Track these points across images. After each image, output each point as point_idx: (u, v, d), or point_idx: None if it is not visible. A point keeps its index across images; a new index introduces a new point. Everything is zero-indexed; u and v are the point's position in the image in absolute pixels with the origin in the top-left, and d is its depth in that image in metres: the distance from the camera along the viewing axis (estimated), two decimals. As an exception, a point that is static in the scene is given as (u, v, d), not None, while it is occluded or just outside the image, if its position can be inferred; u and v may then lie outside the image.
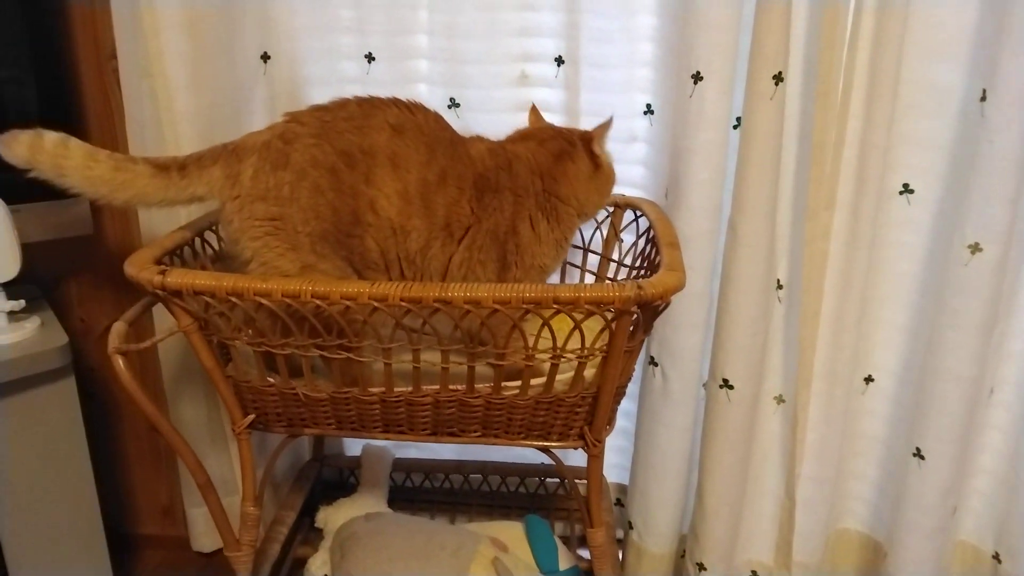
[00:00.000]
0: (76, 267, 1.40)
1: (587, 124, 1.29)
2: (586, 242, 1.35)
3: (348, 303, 0.88)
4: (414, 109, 1.00)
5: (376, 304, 0.88)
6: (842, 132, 1.13)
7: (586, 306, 0.87)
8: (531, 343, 0.92)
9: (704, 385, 1.27)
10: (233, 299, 0.90)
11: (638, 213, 1.28)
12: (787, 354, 1.26)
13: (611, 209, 1.32)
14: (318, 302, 0.88)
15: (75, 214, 1.25)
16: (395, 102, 0.99)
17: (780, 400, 1.29)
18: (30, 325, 1.16)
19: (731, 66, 1.07)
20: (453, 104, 1.32)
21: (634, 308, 0.89)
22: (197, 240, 1.08)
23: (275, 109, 1.31)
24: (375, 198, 0.95)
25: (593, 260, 1.34)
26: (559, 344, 0.92)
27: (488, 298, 0.87)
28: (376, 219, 0.95)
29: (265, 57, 1.28)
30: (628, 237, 1.31)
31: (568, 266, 1.36)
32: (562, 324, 0.89)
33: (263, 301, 0.89)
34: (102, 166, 0.90)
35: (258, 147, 0.94)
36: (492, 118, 1.31)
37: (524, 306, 0.87)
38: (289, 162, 0.93)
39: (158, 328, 1.22)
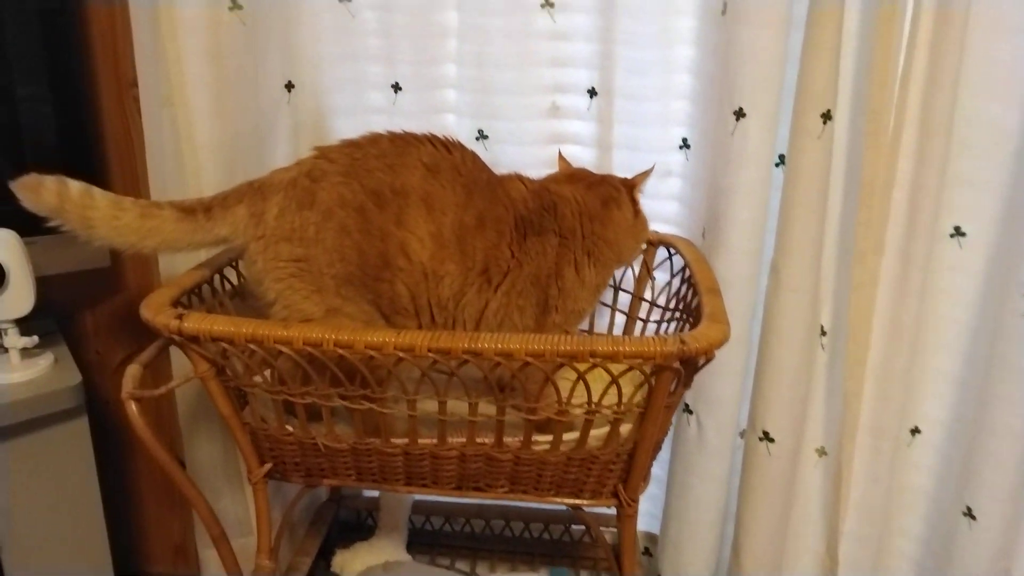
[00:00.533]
0: (92, 299, 1.36)
1: (619, 158, 1.26)
2: (617, 280, 1.30)
3: (372, 353, 0.83)
4: (451, 147, 0.96)
5: (402, 355, 0.83)
6: (892, 172, 1.07)
7: (625, 360, 0.82)
8: (564, 395, 0.86)
9: (741, 434, 1.21)
10: (252, 346, 0.85)
11: (672, 251, 1.23)
12: (830, 404, 1.19)
13: (644, 246, 1.27)
14: (341, 351, 0.84)
15: (92, 246, 1.21)
16: (430, 139, 0.95)
17: (822, 452, 1.22)
18: (43, 362, 1.12)
19: (775, 102, 1.02)
20: (481, 136, 1.27)
21: (676, 364, 0.83)
22: (216, 276, 1.05)
23: (299, 139, 1.27)
24: (406, 241, 0.91)
25: (624, 298, 1.29)
26: (594, 399, 0.87)
27: (521, 350, 0.82)
28: (407, 263, 0.91)
29: (289, 86, 1.24)
30: (660, 275, 1.26)
31: (598, 304, 1.32)
32: (598, 376, 0.84)
33: (283, 349, 0.85)
34: (128, 214, 0.88)
35: (284, 185, 0.91)
36: (521, 150, 1.27)
37: (559, 359, 0.82)
38: (315, 201, 0.89)
39: (175, 369, 1.18)
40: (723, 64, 1.05)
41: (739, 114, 1.03)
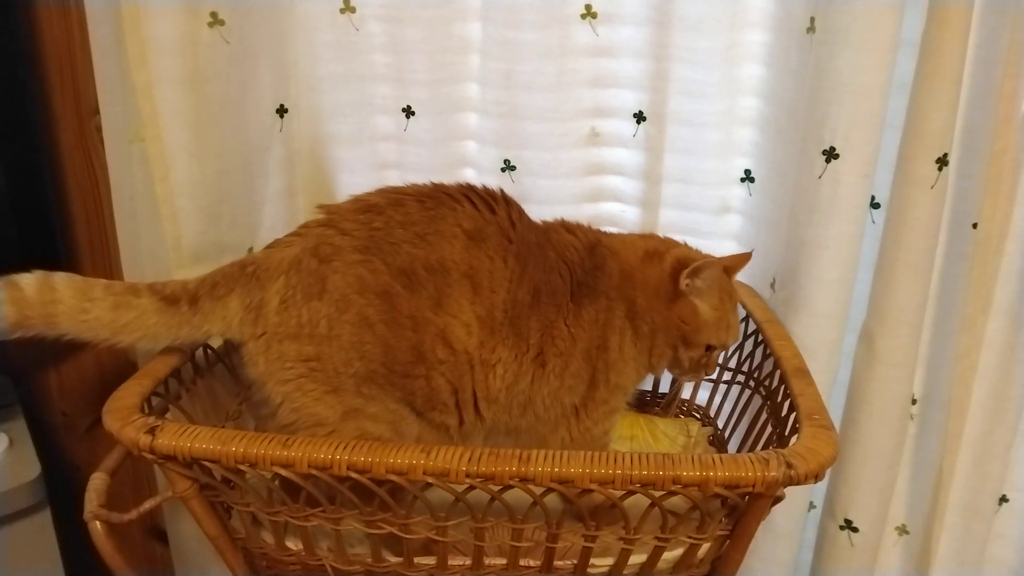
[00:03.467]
0: (55, 354, 1.18)
1: (670, 192, 1.09)
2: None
3: (397, 479, 0.66)
4: (493, 204, 0.79)
5: (432, 481, 0.66)
6: (1007, 224, 0.90)
7: (718, 488, 0.65)
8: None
9: (816, 516, 1.05)
10: (243, 467, 0.68)
11: (730, 300, 1.06)
12: (915, 479, 1.04)
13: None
14: (355, 475, 0.66)
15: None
16: (466, 194, 0.78)
17: (903, 531, 1.07)
18: (-5, 447, 0.95)
19: (876, 143, 0.85)
20: (508, 167, 1.09)
21: (781, 492, 0.67)
22: (199, 351, 0.87)
23: (294, 172, 1.09)
24: (448, 328, 0.75)
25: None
26: (670, 526, 0.70)
27: (583, 476, 0.65)
28: (449, 354, 0.75)
29: (282, 111, 1.06)
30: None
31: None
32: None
33: (283, 472, 0.67)
34: (98, 307, 0.72)
35: (285, 267, 0.74)
36: (554, 184, 1.10)
37: (632, 487, 0.66)
38: (326, 289, 0.73)
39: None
40: (809, 92, 0.87)
41: (830, 155, 0.85)
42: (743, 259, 0.88)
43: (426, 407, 0.77)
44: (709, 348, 0.86)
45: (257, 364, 0.75)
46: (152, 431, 0.68)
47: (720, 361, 1.07)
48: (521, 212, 0.81)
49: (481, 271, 0.75)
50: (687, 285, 0.83)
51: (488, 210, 0.78)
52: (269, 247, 0.80)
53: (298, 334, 0.73)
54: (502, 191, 0.81)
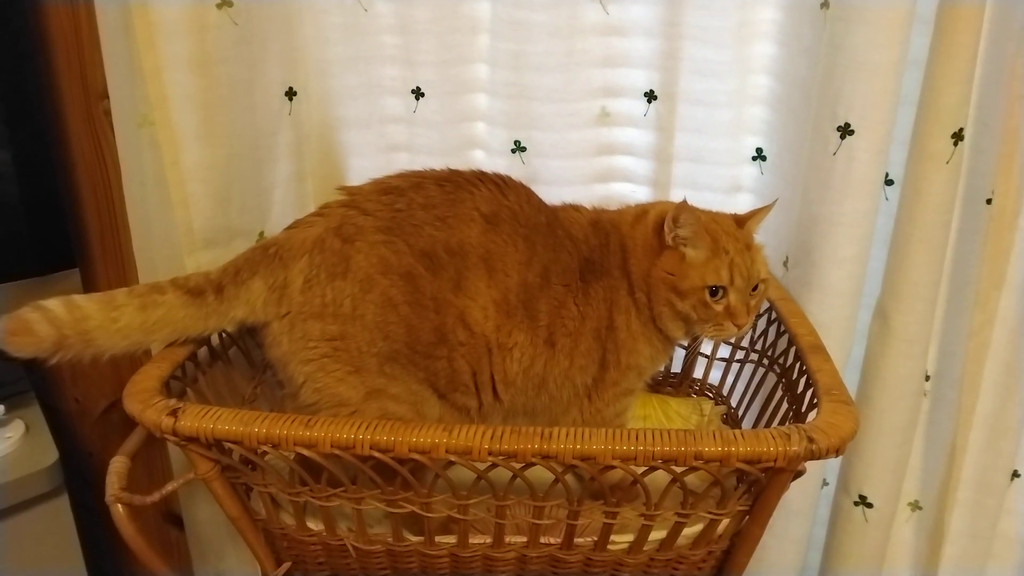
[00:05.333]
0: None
1: (681, 171, 1.08)
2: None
3: (419, 457, 0.66)
4: (505, 188, 0.78)
5: (455, 459, 0.66)
6: (1020, 199, 0.89)
7: (739, 463, 0.65)
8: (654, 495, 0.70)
9: (828, 493, 1.05)
10: (266, 448, 0.68)
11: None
12: (928, 455, 1.04)
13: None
14: (377, 455, 0.67)
15: (65, 288, 1.03)
16: (480, 178, 0.78)
17: (915, 507, 1.08)
18: (13, 434, 0.95)
19: (891, 119, 0.84)
20: (518, 148, 1.09)
21: (802, 466, 0.67)
22: (214, 335, 0.87)
23: (303, 155, 1.08)
24: (467, 310, 0.74)
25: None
26: (690, 501, 0.71)
27: (605, 452, 0.66)
28: (468, 336, 0.75)
29: (290, 94, 1.04)
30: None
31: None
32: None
33: (305, 453, 0.67)
34: (126, 311, 0.72)
35: (308, 247, 0.74)
36: (564, 164, 1.09)
37: (654, 463, 0.66)
38: (350, 268, 0.72)
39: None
40: (822, 69, 0.87)
41: (844, 131, 0.85)
42: (760, 211, 0.84)
43: (448, 388, 0.77)
44: (715, 293, 0.79)
45: (281, 344, 0.75)
46: (174, 413, 0.68)
47: (732, 340, 1.07)
48: (530, 194, 0.81)
49: (496, 255, 0.75)
50: (673, 237, 0.79)
51: (500, 194, 0.78)
52: (290, 228, 0.79)
53: (322, 313, 0.73)
54: (511, 178, 0.81)
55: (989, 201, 0.92)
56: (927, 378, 1.00)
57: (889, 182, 0.94)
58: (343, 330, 0.73)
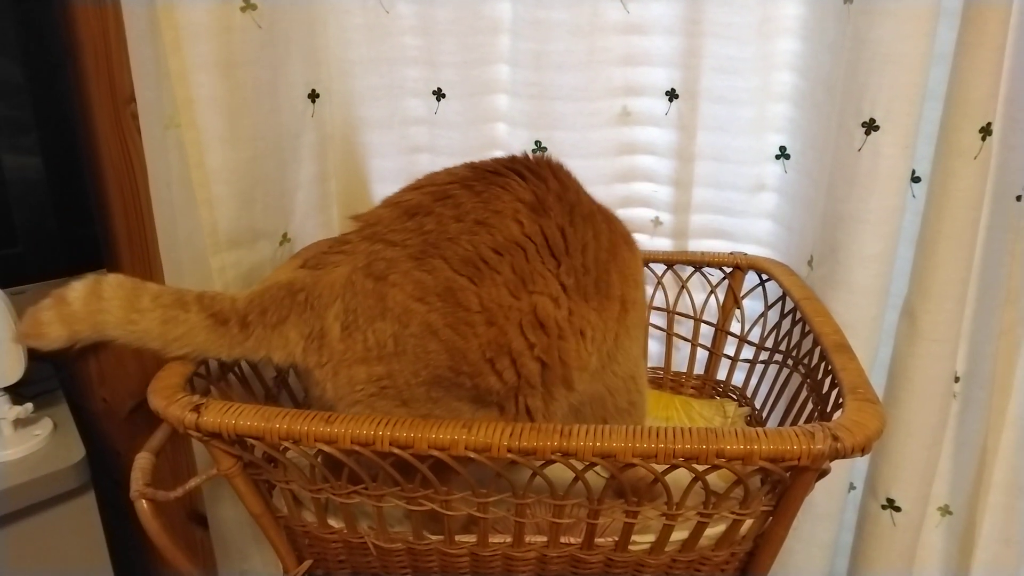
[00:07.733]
0: (95, 343, 1.20)
1: (703, 170, 1.08)
2: (698, 311, 1.12)
3: (438, 454, 0.66)
4: (541, 173, 0.74)
5: (474, 456, 0.66)
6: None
7: (762, 462, 0.64)
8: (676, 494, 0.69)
9: (856, 498, 1.03)
10: (287, 444, 0.69)
11: (764, 277, 1.05)
12: (958, 458, 1.02)
13: (728, 270, 1.09)
14: (397, 451, 0.67)
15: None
16: (510, 165, 0.75)
17: (945, 511, 1.05)
18: (40, 431, 0.96)
19: (917, 113, 0.83)
20: (539, 148, 1.09)
21: (827, 465, 0.66)
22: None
23: (326, 156, 1.10)
24: (538, 306, 0.69)
25: (705, 330, 1.13)
26: (713, 501, 0.70)
27: (626, 450, 0.65)
28: (540, 336, 0.70)
29: (313, 96, 1.06)
30: (750, 304, 1.09)
31: (675, 337, 1.14)
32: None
33: (326, 449, 0.68)
34: (147, 318, 0.72)
35: (339, 290, 0.71)
36: (585, 164, 1.08)
37: (675, 461, 0.65)
38: (387, 307, 0.69)
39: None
40: (847, 64, 0.86)
41: (870, 127, 0.84)
42: None
43: (506, 396, 0.72)
44: None
45: (326, 389, 0.72)
46: (197, 409, 0.69)
47: (756, 340, 1.06)
48: (567, 172, 0.78)
49: (556, 238, 0.71)
50: None
51: (538, 179, 0.74)
52: (313, 267, 0.75)
53: (366, 357, 0.70)
54: (540, 157, 0.78)
55: (1019, 198, 0.90)
56: (956, 379, 0.98)
57: (916, 179, 0.92)
58: (388, 369, 0.70)
